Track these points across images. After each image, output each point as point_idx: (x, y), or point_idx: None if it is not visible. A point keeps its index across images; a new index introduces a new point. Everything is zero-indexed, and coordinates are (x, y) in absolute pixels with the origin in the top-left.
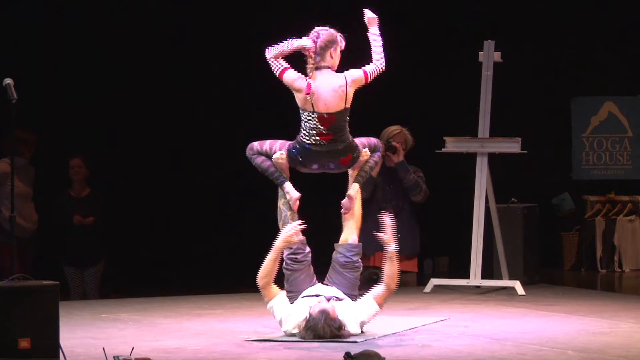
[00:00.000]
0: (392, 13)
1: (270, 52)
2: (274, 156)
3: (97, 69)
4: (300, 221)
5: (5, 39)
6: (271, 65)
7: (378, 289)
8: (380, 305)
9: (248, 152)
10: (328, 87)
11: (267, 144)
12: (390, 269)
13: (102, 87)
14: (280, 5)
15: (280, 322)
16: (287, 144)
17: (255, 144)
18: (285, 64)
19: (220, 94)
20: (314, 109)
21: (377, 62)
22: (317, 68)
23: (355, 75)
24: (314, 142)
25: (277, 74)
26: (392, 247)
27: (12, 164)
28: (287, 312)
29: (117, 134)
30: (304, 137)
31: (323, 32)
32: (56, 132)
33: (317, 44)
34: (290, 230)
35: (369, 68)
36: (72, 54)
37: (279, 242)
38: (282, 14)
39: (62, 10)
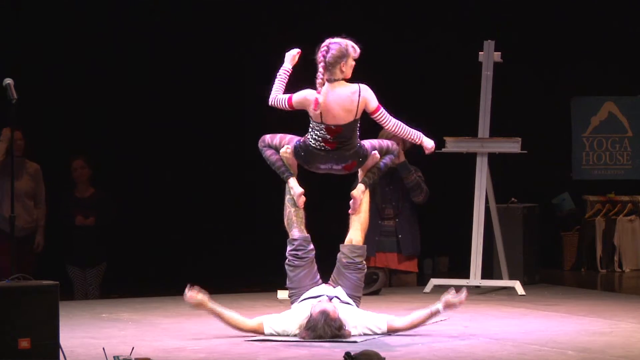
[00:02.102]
0: (393, 13)
1: (270, 97)
2: (281, 150)
3: (97, 69)
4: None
5: (5, 39)
6: (277, 105)
7: (395, 320)
8: (389, 331)
9: (260, 144)
10: (338, 101)
11: (277, 138)
12: (419, 318)
13: (102, 87)
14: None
15: (284, 335)
16: (295, 139)
17: (267, 137)
18: (287, 95)
19: (221, 93)
20: (322, 121)
21: (394, 121)
22: (329, 81)
23: (369, 95)
24: (319, 147)
25: (286, 106)
26: (439, 307)
27: (12, 165)
28: (284, 326)
29: (117, 134)
30: (309, 139)
31: (333, 46)
32: (56, 132)
33: (327, 59)
34: (190, 294)
35: (384, 111)
36: (72, 54)
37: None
38: (282, 14)
39: (62, 11)
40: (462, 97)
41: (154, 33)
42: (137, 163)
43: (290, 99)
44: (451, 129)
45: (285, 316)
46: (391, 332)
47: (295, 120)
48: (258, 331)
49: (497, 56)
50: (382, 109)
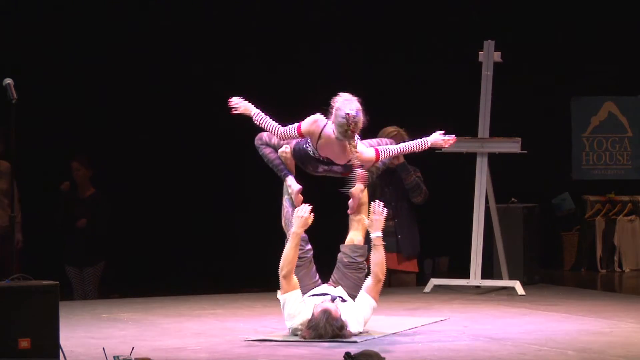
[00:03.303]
0: (393, 12)
1: (275, 130)
2: (280, 150)
3: (96, 69)
4: (310, 206)
5: (5, 39)
6: (288, 134)
7: (368, 282)
8: (376, 299)
9: (256, 142)
10: (335, 153)
11: (275, 137)
12: (375, 256)
13: (101, 86)
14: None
15: (287, 316)
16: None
17: (264, 135)
18: (295, 124)
19: (221, 92)
20: (317, 150)
21: (394, 148)
22: (339, 139)
23: (364, 157)
24: (317, 157)
25: (296, 134)
26: (375, 234)
27: (12, 165)
28: (298, 309)
29: (117, 134)
30: (308, 148)
31: (359, 114)
32: (57, 132)
33: (353, 128)
34: (304, 213)
35: (383, 150)
36: (72, 54)
37: (295, 228)
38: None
39: (63, 11)
40: (462, 97)
41: (154, 33)
42: (138, 163)
43: (299, 127)
44: (451, 129)
45: (302, 306)
46: (375, 294)
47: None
48: (284, 284)
49: (497, 56)
50: (380, 152)
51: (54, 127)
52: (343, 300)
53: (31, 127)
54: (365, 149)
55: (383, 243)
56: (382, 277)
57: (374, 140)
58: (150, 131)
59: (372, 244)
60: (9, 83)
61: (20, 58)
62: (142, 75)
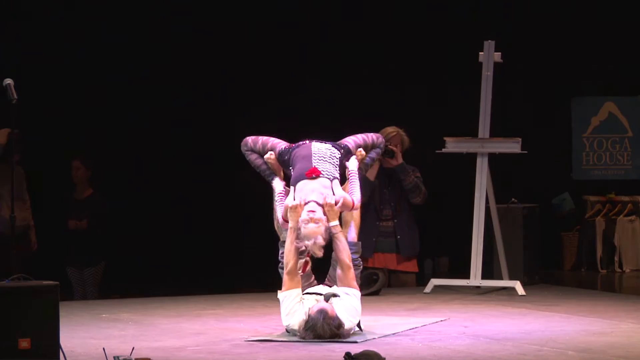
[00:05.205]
0: (393, 12)
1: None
2: (265, 156)
3: (97, 69)
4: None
5: (5, 39)
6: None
7: (339, 274)
8: (354, 286)
9: (242, 148)
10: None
11: (260, 142)
12: (338, 245)
13: (101, 86)
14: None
15: (283, 314)
16: (278, 144)
17: (250, 140)
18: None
19: (220, 92)
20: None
21: (357, 185)
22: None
23: (344, 206)
24: None
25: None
26: (332, 223)
27: (13, 165)
28: (294, 308)
29: (118, 133)
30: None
31: (318, 242)
32: (57, 132)
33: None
34: (295, 206)
35: (353, 195)
36: (72, 54)
37: (291, 223)
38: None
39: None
40: (462, 97)
41: (154, 33)
42: (138, 163)
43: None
44: (451, 129)
45: (298, 306)
46: (352, 283)
47: (289, 131)
48: (287, 281)
49: (497, 56)
50: (357, 201)
51: (54, 127)
52: (334, 296)
53: (31, 127)
54: (342, 194)
55: (341, 230)
56: (350, 263)
57: (359, 137)
58: (150, 131)
59: (331, 232)
60: (9, 83)
61: (20, 58)
62: (142, 75)
